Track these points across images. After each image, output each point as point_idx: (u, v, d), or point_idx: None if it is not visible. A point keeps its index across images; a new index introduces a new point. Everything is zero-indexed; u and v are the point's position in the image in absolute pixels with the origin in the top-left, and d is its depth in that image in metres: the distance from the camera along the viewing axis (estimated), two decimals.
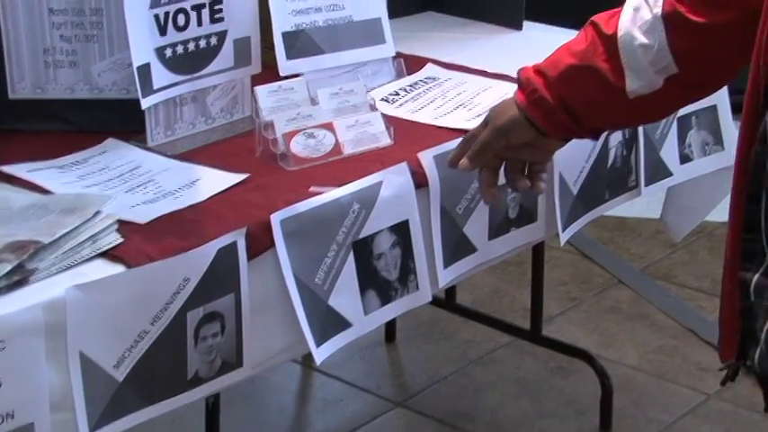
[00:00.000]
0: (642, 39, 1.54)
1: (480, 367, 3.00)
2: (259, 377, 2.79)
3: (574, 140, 2.18)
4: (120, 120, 2.02)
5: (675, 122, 2.42)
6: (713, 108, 2.49)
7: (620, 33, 1.56)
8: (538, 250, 2.80)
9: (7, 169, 1.87)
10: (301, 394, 2.94)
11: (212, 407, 2.34)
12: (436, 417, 2.81)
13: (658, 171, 2.40)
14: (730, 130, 2.51)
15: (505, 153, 1.70)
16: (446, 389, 2.91)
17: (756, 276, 1.37)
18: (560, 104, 1.61)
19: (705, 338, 3.13)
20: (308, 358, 2.91)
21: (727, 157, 2.50)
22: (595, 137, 1.67)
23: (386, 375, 2.99)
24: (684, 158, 2.44)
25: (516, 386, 2.92)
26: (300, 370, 2.98)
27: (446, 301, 3.02)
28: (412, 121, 2.16)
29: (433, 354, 3.06)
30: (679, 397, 2.90)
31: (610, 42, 1.57)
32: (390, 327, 3.09)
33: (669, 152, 2.41)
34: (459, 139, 2.04)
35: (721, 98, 2.49)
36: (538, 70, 1.65)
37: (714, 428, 2.78)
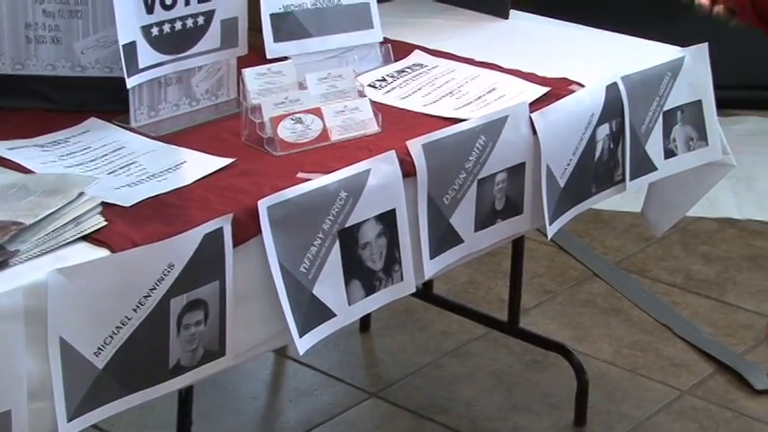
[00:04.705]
0: None
1: (455, 359, 2.97)
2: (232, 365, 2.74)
3: (560, 132, 2.16)
4: (101, 99, 1.97)
5: (661, 117, 2.39)
6: (698, 103, 2.47)
7: None
8: (518, 242, 2.76)
9: None
10: (274, 383, 2.89)
11: (184, 394, 2.29)
12: (411, 408, 2.77)
13: (643, 165, 2.37)
14: (714, 125, 2.49)
15: None
16: (421, 380, 2.88)
17: None
18: None
19: (679, 334, 3.12)
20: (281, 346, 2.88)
21: (710, 152, 2.48)
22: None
23: (360, 365, 2.96)
24: (669, 153, 2.42)
25: (491, 379, 2.90)
26: (273, 358, 2.94)
27: (422, 291, 2.98)
28: (399, 109, 2.12)
29: (408, 344, 3.03)
30: (652, 393, 2.88)
31: None
32: (365, 316, 3.05)
33: (654, 146, 2.39)
34: (448, 128, 2.02)
35: (706, 94, 2.47)
36: None
37: (687, 426, 2.77)
